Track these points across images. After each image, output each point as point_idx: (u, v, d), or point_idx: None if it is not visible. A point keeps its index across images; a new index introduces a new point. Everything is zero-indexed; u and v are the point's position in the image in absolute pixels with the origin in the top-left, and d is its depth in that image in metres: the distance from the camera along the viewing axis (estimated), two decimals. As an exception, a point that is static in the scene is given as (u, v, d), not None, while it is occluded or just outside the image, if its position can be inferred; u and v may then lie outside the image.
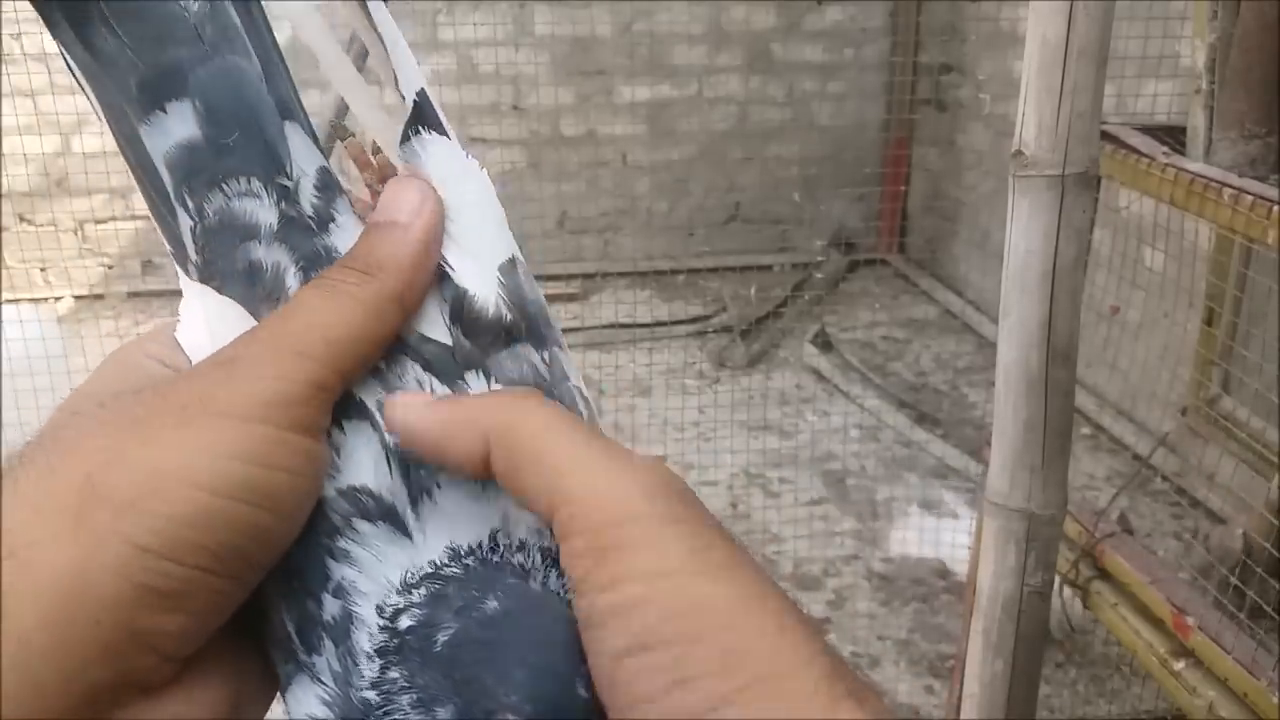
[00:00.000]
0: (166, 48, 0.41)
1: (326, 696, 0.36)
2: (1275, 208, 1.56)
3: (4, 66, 3.76)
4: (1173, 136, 1.88)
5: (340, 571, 0.37)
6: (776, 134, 5.60)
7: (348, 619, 0.37)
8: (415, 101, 0.44)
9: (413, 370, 0.40)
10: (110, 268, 5.22)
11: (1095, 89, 1.23)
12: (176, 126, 0.41)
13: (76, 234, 5.17)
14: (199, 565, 0.34)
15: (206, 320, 0.41)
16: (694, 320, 4.93)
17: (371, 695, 0.36)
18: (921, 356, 4.68)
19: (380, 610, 0.37)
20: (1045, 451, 1.34)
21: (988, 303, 4.74)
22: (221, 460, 0.34)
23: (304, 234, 0.41)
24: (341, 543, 0.37)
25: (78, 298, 5.12)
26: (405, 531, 0.38)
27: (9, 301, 4.18)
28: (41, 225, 5.08)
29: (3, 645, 0.32)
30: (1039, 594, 1.43)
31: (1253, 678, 1.59)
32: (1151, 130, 1.93)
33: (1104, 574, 1.93)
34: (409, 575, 0.37)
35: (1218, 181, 1.66)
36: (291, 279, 0.40)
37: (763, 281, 5.09)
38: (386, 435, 0.39)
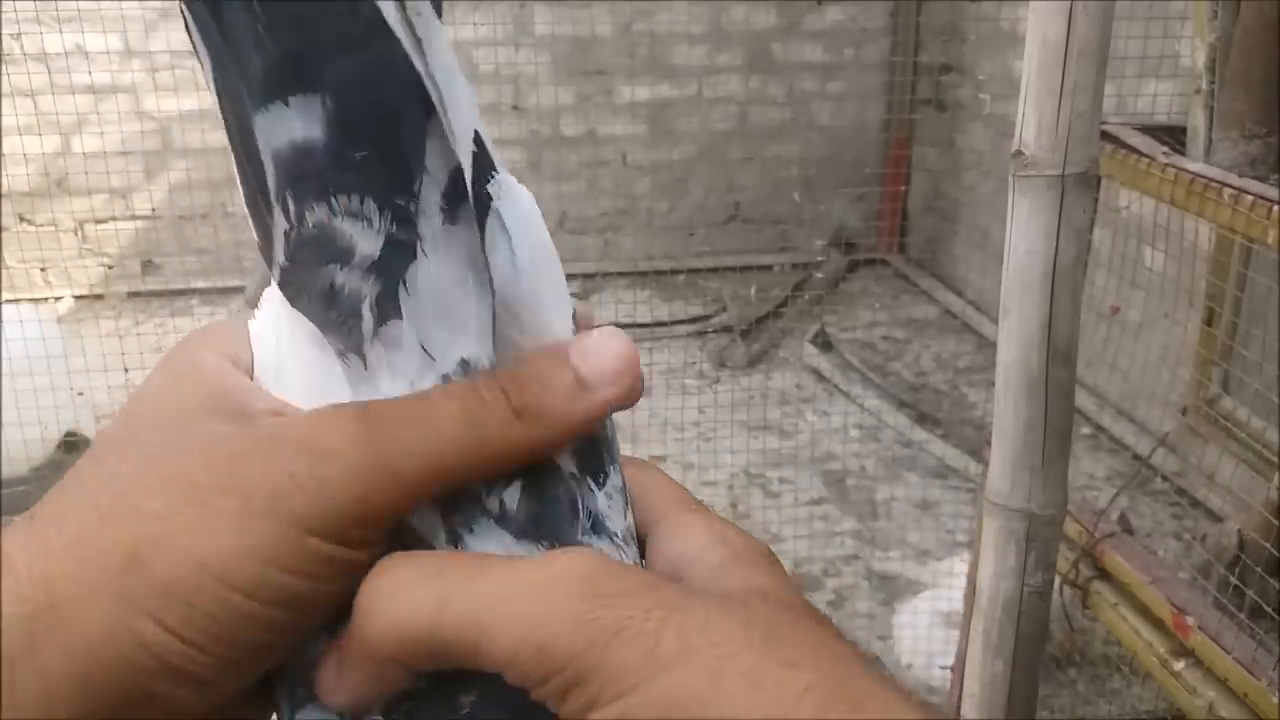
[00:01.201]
0: (305, 31, 0.35)
1: None
2: (1275, 208, 1.56)
3: (4, 66, 3.76)
4: (1173, 136, 1.88)
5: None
6: (776, 134, 5.60)
7: None
8: (473, 152, 0.38)
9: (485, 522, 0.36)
10: (110, 268, 5.22)
11: (1095, 89, 1.23)
12: (297, 123, 0.35)
13: (76, 234, 5.17)
14: (221, 655, 0.34)
15: (276, 325, 0.39)
16: (694, 320, 4.93)
17: None
18: (921, 356, 4.68)
19: None
20: (1045, 451, 1.34)
21: (988, 303, 4.74)
22: (267, 569, 0.33)
23: (404, 257, 0.36)
24: None
25: (78, 298, 5.12)
26: None
27: (9, 301, 4.18)
28: (41, 225, 5.08)
29: (28, 686, 0.33)
30: (1039, 594, 1.43)
31: (1253, 678, 1.59)
32: (1151, 130, 1.93)
33: (1104, 574, 1.93)
34: None
35: (1218, 181, 1.66)
36: (366, 310, 0.36)
37: (763, 281, 5.09)
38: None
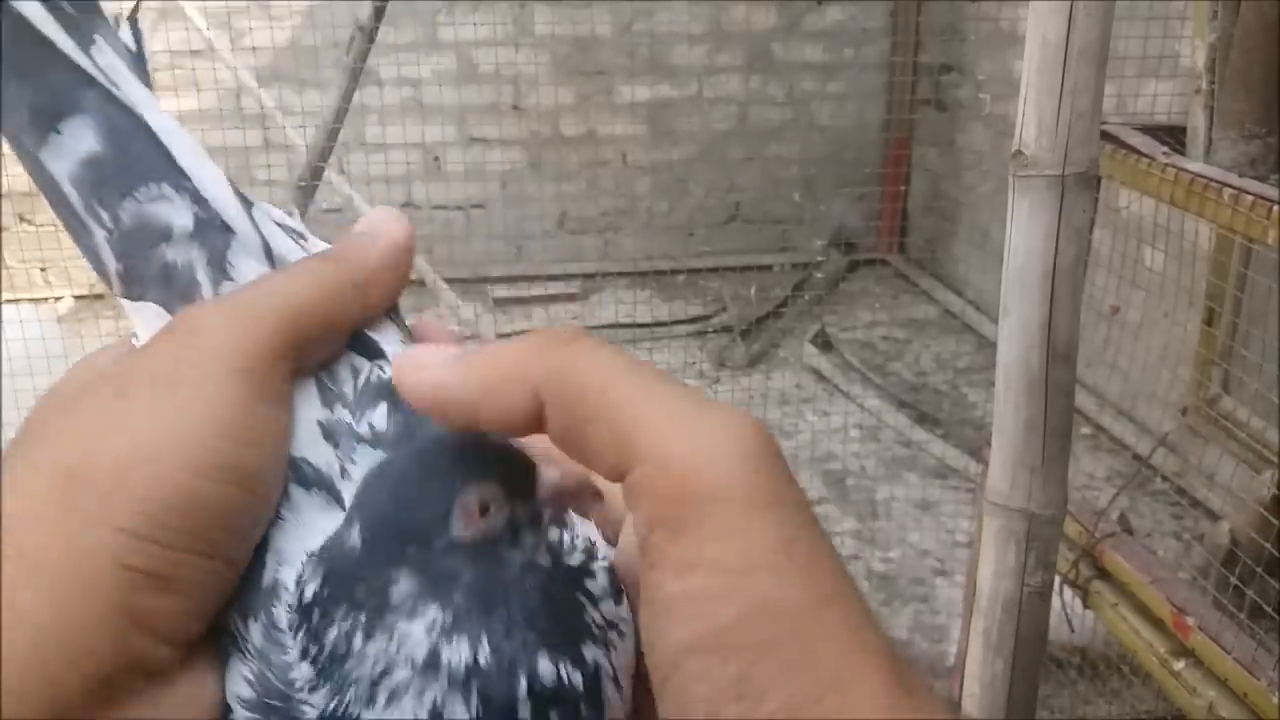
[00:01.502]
0: (50, 74, 0.42)
1: (250, 674, 0.36)
2: (1275, 208, 1.56)
3: (4, 66, 3.76)
4: (1173, 136, 1.88)
5: (273, 537, 0.37)
6: (776, 134, 5.60)
7: (274, 588, 0.37)
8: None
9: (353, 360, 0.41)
10: (110, 268, 5.21)
11: (1095, 89, 1.23)
12: (75, 144, 0.42)
13: (76, 234, 5.17)
14: (182, 547, 0.34)
15: (144, 330, 0.42)
16: (694, 320, 4.93)
17: (292, 673, 0.36)
18: (921, 356, 4.68)
19: (298, 581, 0.37)
20: (1045, 451, 1.34)
21: (988, 303, 4.74)
22: (195, 439, 0.35)
23: (219, 233, 0.42)
24: (281, 509, 0.38)
25: (78, 298, 5.12)
26: (340, 503, 0.38)
27: (9, 301, 4.18)
28: (41, 225, 5.08)
29: (4, 625, 0.32)
30: (1039, 594, 1.43)
31: (1253, 678, 1.59)
32: (1151, 130, 1.93)
33: (1104, 574, 1.93)
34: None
35: (1218, 181, 1.66)
36: (202, 274, 0.42)
37: (763, 281, 5.09)
38: (322, 410, 0.40)
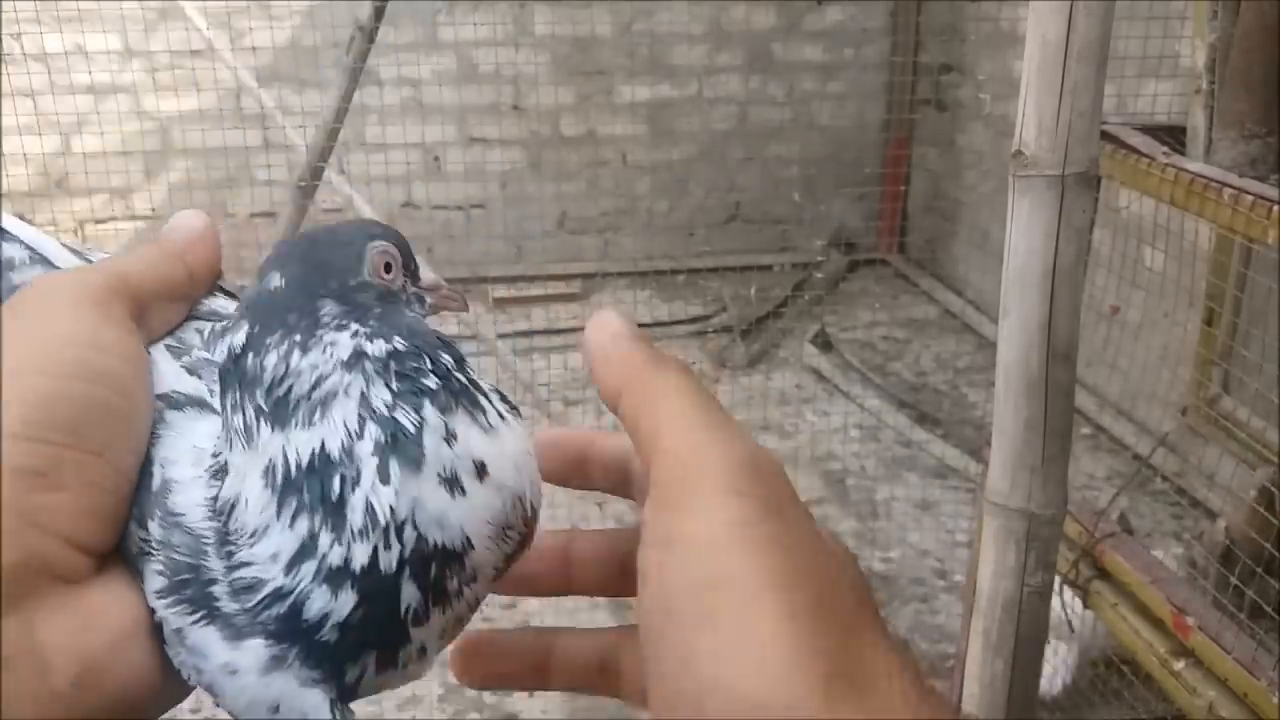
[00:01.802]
0: None
1: (158, 566, 0.42)
2: (1275, 208, 1.56)
3: (4, 66, 3.76)
4: (1173, 136, 1.88)
5: (156, 452, 0.44)
6: (776, 134, 5.60)
7: (165, 487, 0.43)
8: None
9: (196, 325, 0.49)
10: (110, 268, 5.21)
11: (1095, 89, 1.23)
12: None
13: (76, 234, 5.17)
14: (59, 442, 0.39)
15: None
16: (694, 320, 4.93)
17: (200, 517, 0.42)
18: (921, 356, 4.68)
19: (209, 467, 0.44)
20: (1045, 451, 1.34)
21: (988, 303, 4.74)
22: (47, 350, 0.41)
23: (47, 264, 0.50)
24: (157, 430, 0.44)
25: (78, 298, 5.11)
26: (213, 409, 0.45)
27: (9, 301, 4.17)
28: (41, 225, 5.08)
29: None
30: (1039, 594, 1.43)
31: (1253, 678, 1.59)
32: (1151, 130, 1.93)
33: (1104, 574, 1.93)
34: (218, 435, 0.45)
35: (1218, 181, 1.66)
36: None
37: (763, 281, 5.09)
38: (178, 361, 0.46)
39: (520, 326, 4.68)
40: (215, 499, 0.43)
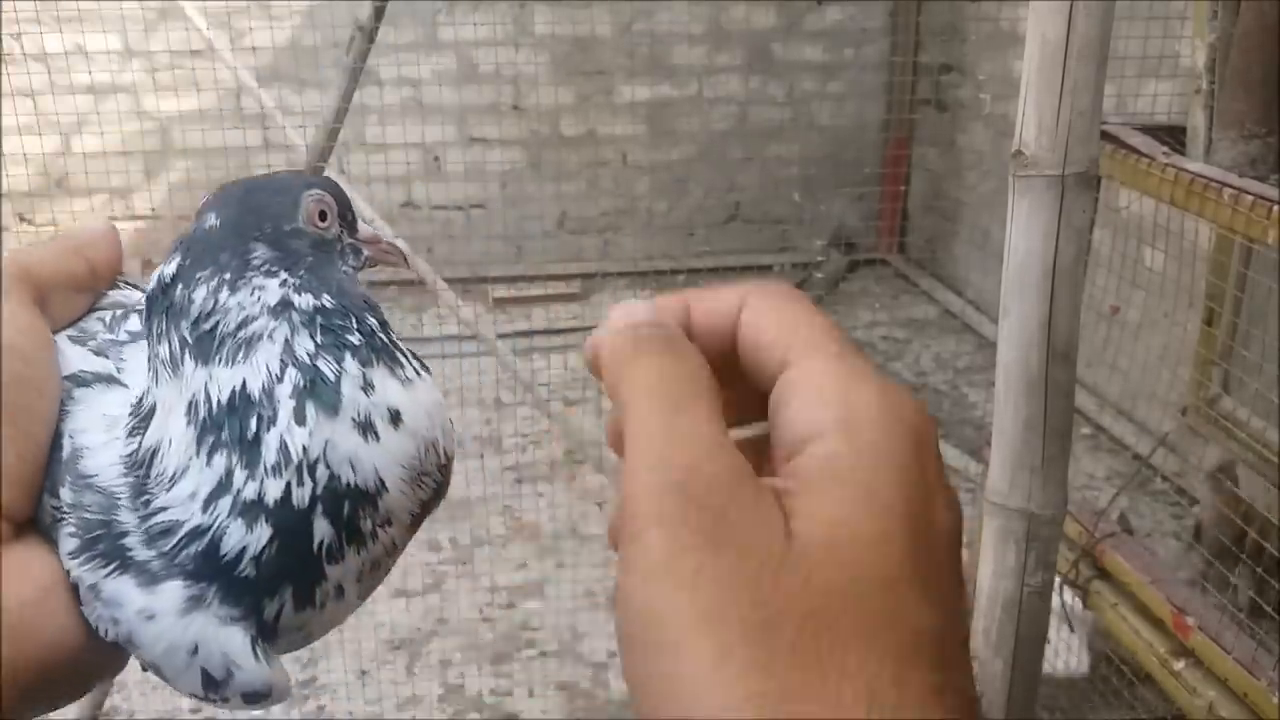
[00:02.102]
0: None
1: (70, 529, 0.44)
2: (1275, 208, 1.56)
3: (4, 66, 3.76)
4: (1173, 136, 1.88)
5: (65, 425, 0.46)
6: (776, 134, 5.60)
7: (75, 455, 0.45)
8: None
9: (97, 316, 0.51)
10: (110, 268, 5.21)
11: (1095, 89, 1.23)
12: None
13: (76, 234, 5.17)
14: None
15: None
16: (694, 320, 4.92)
17: (112, 474, 0.44)
18: (921, 356, 4.68)
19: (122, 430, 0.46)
20: (1045, 451, 1.34)
21: (988, 303, 4.74)
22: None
23: None
24: (66, 406, 0.46)
25: (78, 298, 5.11)
26: (120, 383, 0.47)
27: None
28: (41, 225, 5.08)
29: None
30: (1039, 594, 1.43)
31: (1253, 678, 1.59)
32: (1151, 130, 1.93)
33: (1104, 574, 1.93)
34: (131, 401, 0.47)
35: (1218, 181, 1.66)
36: None
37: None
38: (83, 345, 0.48)
39: (520, 326, 4.68)
40: (133, 452, 0.45)
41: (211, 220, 0.47)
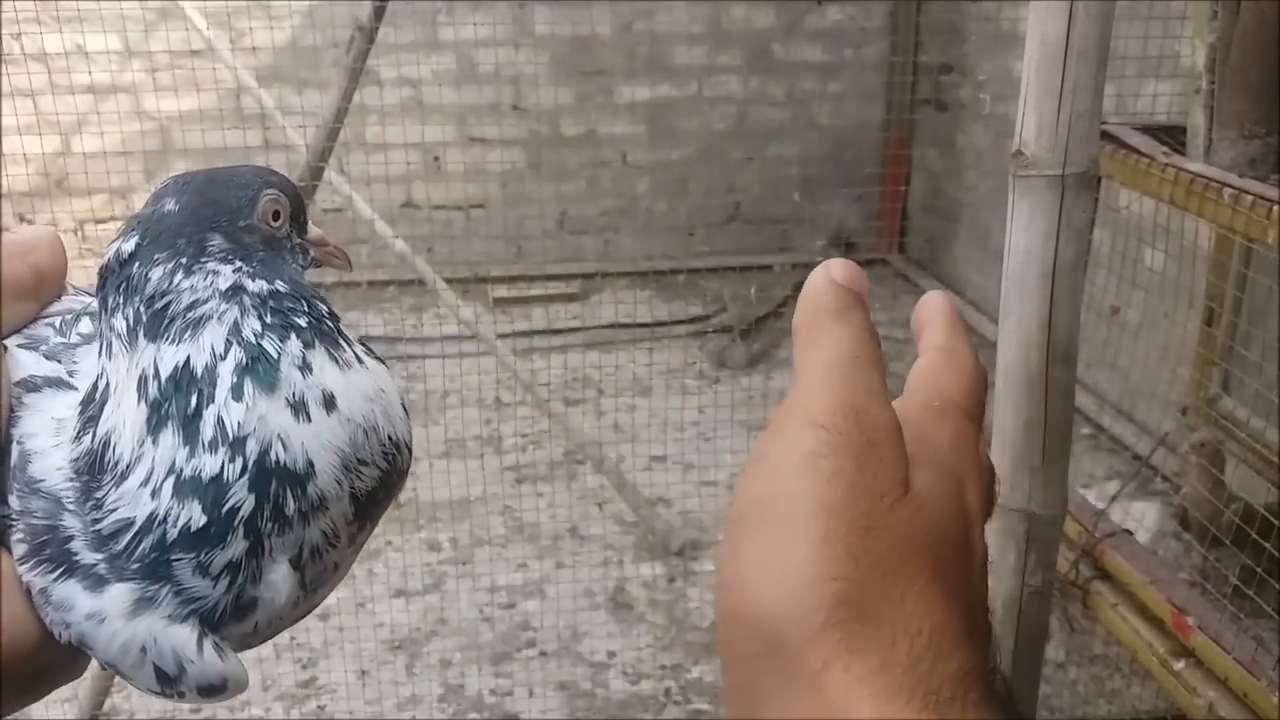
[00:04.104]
0: None
1: (19, 535, 0.44)
2: (1275, 208, 1.56)
3: (4, 66, 3.76)
4: (1173, 136, 1.88)
5: (14, 430, 0.46)
6: (776, 134, 5.60)
7: (23, 459, 0.45)
8: None
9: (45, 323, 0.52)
10: (110, 268, 5.20)
11: (1095, 89, 1.23)
12: None
13: (76, 234, 5.17)
14: None
15: None
16: (694, 320, 4.93)
17: (57, 474, 0.45)
18: (921, 356, 4.68)
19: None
20: (1045, 452, 1.34)
21: (988, 303, 4.74)
22: None
23: None
24: (16, 413, 0.47)
25: (78, 298, 5.11)
26: (71, 387, 0.48)
27: (9, 301, 4.16)
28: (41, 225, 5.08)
29: None
30: (1039, 594, 1.43)
31: (1253, 678, 1.59)
32: (1151, 130, 1.93)
33: (1104, 574, 1.93)
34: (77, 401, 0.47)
35: (1218, 181, 1.66)
36: None
37: (763, 281, 5.09)
38: (34, 352, 0.49)
39: (520, 326, 4.68)
40: (82, 454, 0.45)
41: (170, 205, 0.48)
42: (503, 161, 5.36)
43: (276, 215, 0.50)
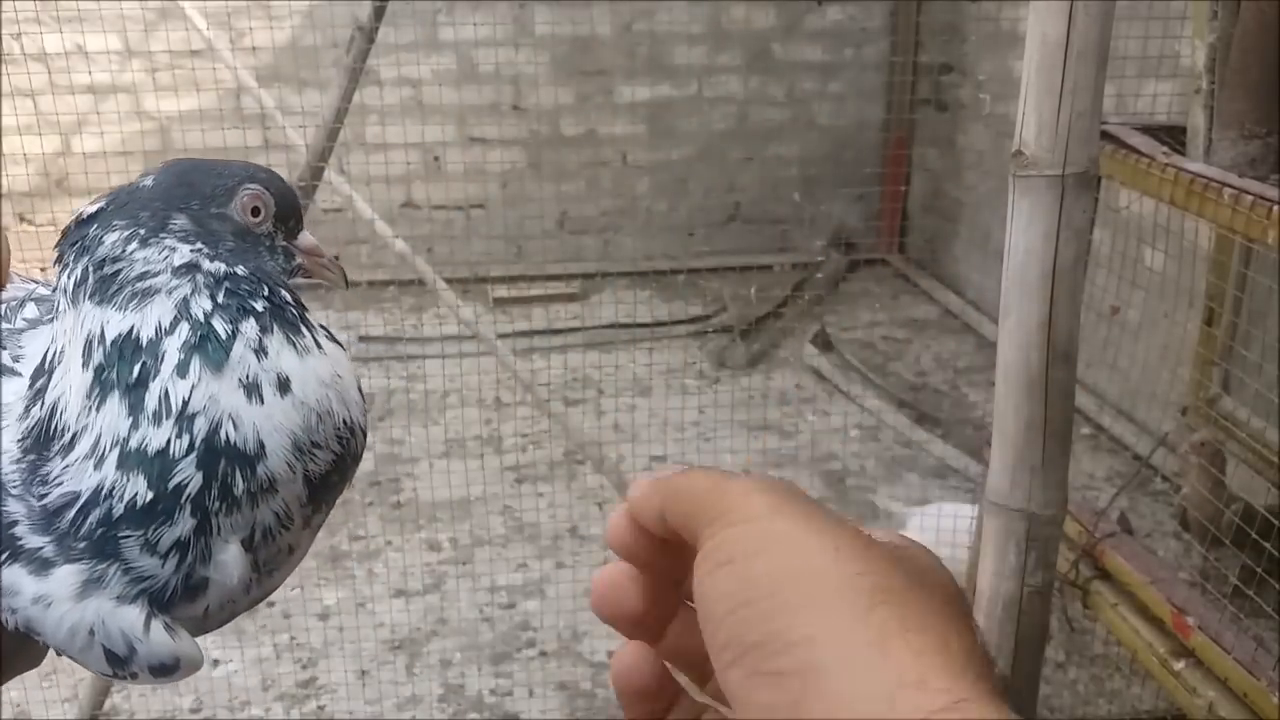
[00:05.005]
0: None
1: None
2: (1275, 208, 1.55)
3: (4, 66, 3.75)
4: (1173, 136, 1.88)
5: None
6: (776, 134, 5.60)
7: None
8: None
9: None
10: (110, 268, 5.20)
11: (1095, 89, 1.23)
12: None
13: (76, 234, 5.17)
14: None
15: None
16: (694, 320, 4.92)
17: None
18: (921, 356, 4.68)
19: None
20: (1045, 451, 1.34)
21: (988, 303, 4.74)
22: None
23: None
24: None
25: (78, 298, 5.10)
26: (14, 373, 0.48)
27: (9, 301, 4.15)
28: (41, 225, 5.08)
29: None
30: (1039, 594, 1.43)
31: (1253, 678, 1.59)
32: (1151, 130, 1.92)
33: (1104, 574, 1.93)
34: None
35: (1218, 181, 1.66)
36: None
37: (763, 281, 5.09)
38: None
39: (520, 326, 4.68)
40: (29, 429, 0.45)
41: (146, 181, 0.49)
42: (503, 161, 5.36)
43: (257, 211, 0.50)
